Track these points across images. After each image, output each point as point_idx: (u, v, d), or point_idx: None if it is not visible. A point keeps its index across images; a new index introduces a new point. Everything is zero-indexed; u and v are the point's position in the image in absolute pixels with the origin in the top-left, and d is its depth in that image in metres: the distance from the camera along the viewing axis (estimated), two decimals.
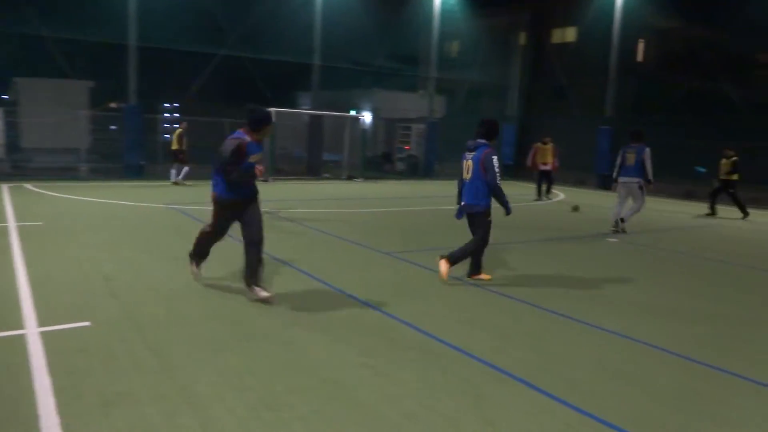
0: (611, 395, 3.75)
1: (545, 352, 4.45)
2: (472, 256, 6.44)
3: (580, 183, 21.49)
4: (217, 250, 5.98)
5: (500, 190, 6.18)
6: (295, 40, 20.39)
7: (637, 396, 3.76)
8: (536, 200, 15.69)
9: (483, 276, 6.54)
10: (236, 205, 5.36)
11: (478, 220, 6.31)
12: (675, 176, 19.47)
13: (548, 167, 15.57)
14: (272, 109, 17.85)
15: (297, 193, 15.03)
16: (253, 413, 3.29)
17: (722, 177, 13.91)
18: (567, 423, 3.34)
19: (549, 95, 25.46)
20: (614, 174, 10.52)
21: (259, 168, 5.32)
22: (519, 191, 18.51)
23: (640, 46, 27.47)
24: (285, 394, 3.53)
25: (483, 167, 6.14)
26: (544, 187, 15.96)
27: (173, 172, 15.62)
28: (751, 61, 23.85)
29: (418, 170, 22.81)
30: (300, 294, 5.73)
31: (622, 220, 10.46)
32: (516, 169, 23.73)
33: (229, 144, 5.23)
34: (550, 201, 15.91)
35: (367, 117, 23.56)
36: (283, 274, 6.47)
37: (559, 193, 18.04)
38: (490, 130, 6.32)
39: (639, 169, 10.15)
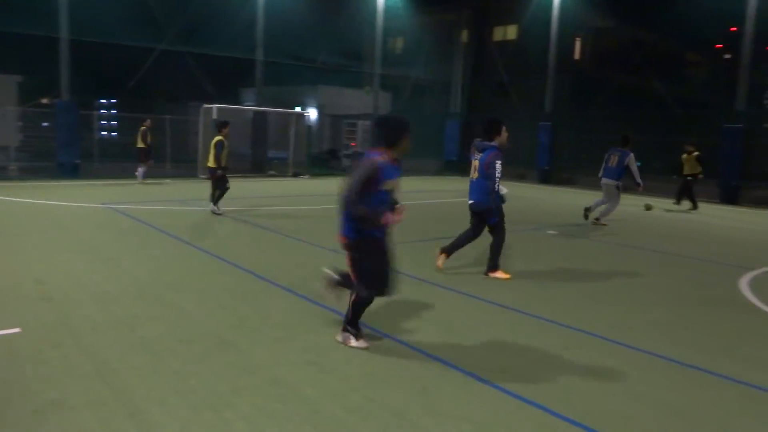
0: (550, 382, 3.86)
1: (491, 344, 4.54)
2: (492, 254, 6.67)
3: (521, 177, 22.00)
4: (156, 258, 5.80)
5: (495, 193, 6.36)
6: (238, 35, 20.00)
7: (583, 384, 3.89)
8: None
9: (500, 275, 6.65)
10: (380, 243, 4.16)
11: (486, 218, 6.56)
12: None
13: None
14: (214, 106, 17.48)
15: (241, 191, 14.76)
16: (195, 415, 3.22)
17: (686, 173, 14.39)
18: (510, 411, 3.43)
19: (492, 92, 25.95)
20: (600, 173, 11.07)
21: (397, 214, 4.15)
22: (462, 186, 18.82)
23: (577, 44, 28.38)
24: (229, 394, 3.48)
25: (486, 168, 6.35)
26: None
27: (141, 171, 15.56)
28: (679, 60, 24.99)
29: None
30: (244, 293, 5.64)
31: (588, 209, 11.14)
32: (460, 165, 24.10)
33: (361, 167, 4.13)
34: None
35: (312, 113, 23.40)
36: (226, 273, 6.36)
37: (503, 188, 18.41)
38: (489, 130, 6.50)
39: (619, 172, 10.65)
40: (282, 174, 19.82)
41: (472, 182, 6.59)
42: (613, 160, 10.75)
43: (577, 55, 28.79)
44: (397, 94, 26.56)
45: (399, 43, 29.64)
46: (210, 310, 5.05)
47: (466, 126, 24.84)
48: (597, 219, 11.04)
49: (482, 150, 6.49)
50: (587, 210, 11.18)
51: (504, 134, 6.51)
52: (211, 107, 17.45)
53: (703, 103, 21.04)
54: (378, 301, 5.31)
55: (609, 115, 21.25)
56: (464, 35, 26.85)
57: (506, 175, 20.97)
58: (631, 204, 15.40)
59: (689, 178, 14.35)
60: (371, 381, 3.75)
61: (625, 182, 10.86)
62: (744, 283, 6.88)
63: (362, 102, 24.83)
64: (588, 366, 4.16)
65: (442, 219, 11.16)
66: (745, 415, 3.54)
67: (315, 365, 3.96)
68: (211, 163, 10.25)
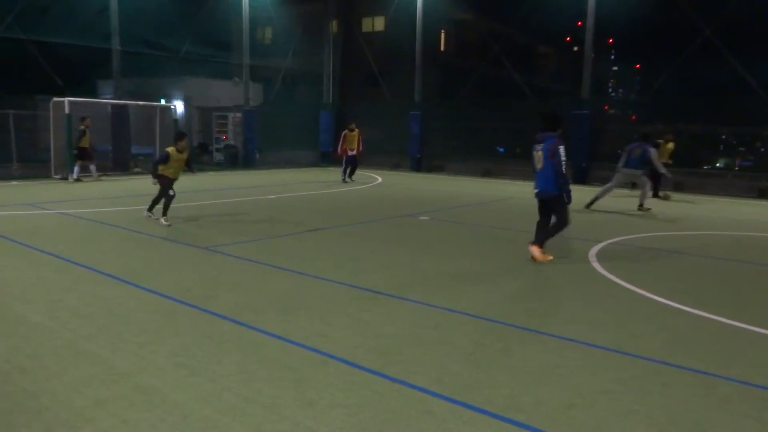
0: (420, 361, 4.04)
1: (365, 331, 4.64)
2: (549, 234, 7.17)
3: (395, 166, 22.57)
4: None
5: (564, 177, 6.80)
6: (89, 22, 18.50)
7: (441, 357, 4.10)
8: (343, 181, 16.70)
9: (539, 254, 7.07)
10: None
11: (554, 203, 7.00)
12: (475, 156, 21.41)
13: (354, 152, 16.58)
14: (65, 99, 16.09)
15: (101, 191, 13.75)
16: None
17: (663, 161, 15.35)
18: (380, 393, 3.54)
19: (363, 83, 26.29)
20: (619, 165, 12.07)
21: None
22: (334, 177, 18.94)
23: (442, 36, 29.52)
24: (89, 408, 3.26)
25: (551, 155, 6.74)
26: (348, 170, 16.90)
27: (75, 169, 15.39)
28: (533, 51, 26.86)
29: (238, 160, 22.18)
30: (107, 299, 5.29)
31: (591, 202, 12.25)
32: (332, 156, 24.22)
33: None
34: (354, 183, 16.60)
35: (178, 106, 22.27)
36: (84, 280, 5.91)
37: (378, 177, 18.78)
38: (552, 122, 6.96)
39: (640, 162, 11.89)
40: (148, 171, 18.68)
41: (537, 172, 7.03)
42: (636, 153, 11.94)
43: (443, 47, 29.98)
44: (268, 85, 26.07)
45: (268, 33, 29.05)
46: (64, 320, 4.68)
47: (340, 116, 24.99)
48: (641, 206, 12.14)
49: (543, 140, 6.91)
50: (591, 203, 12.25)
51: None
52: (62, 101, 16.02)
53: (554, 91, 22.85)
54: (252, 298, 5.24)
55: (473, 104, 22.42)
56: (334, 25, 26.90)
57: (383, 165, 21.34)
58: (487, 188, 16.35)
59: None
60: (244, 378, 3.69)
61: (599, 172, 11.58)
62: (592, 255, 7.61)
63: (232, 94, 24.07)
64: (458, 343, 4.40)
65: (320, 210, 11.17)
66: (588, 371, 3.92)
67: (184, 368, 3.82)
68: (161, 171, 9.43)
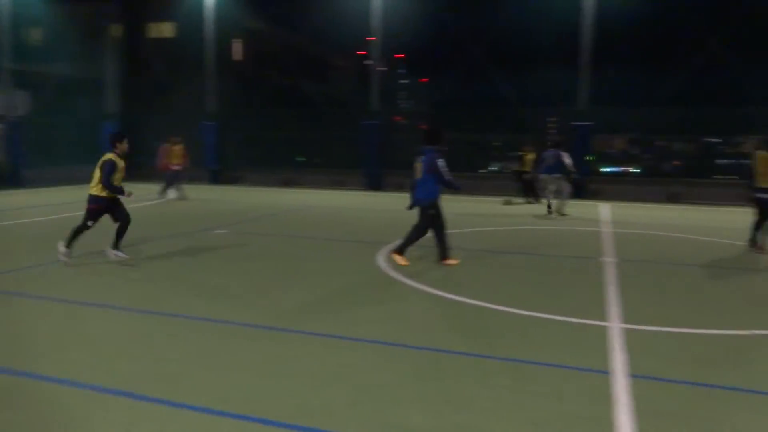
0: (205, 380, 3.89)
1: (146, 358, 4.33)
2: (411, 240, 7.52)
3: (191, 179, 21.53)
4: None
5: (450, 181, 7.39)
6: None
7: (228, 373, 3.99)
8: (173, 198, 15.30)
9: (451, 261, 7.51)
10: None
11: (421, 208, 7.47)
12: (274, 166, 21.41)
13: (179, 167, 15.33)
14: None
15: None
16: None
17: (525, 169, 15.72)
18: (161, 422, 3.33)
19: (151, 91, 24.66)
20: (540, 171, 12.63)
21: None
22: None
23: (236, 45, 28.95)
24: None
25: (429, 168, 7.24)
26: (167, 185, 15.53)
27: None
28: (326, 63, 27.64)
29: (2, 178, 19.26)
30: None
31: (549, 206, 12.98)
32: (130, 169, 22.35)
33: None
34: (164, 199, 15.36)
35: None
36: None
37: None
38: (432, 137, 7.48)
39: (557, 168, 12.53)
40: None
41: (416, 182, 7.43)
42: (551, 160, 12.62)
43: (237, 56, 29.39)
44: (38, 92, 23.11)
45: (36, 34, 25.77)
46: None
47: (128, 128, 23.10)
48: (559, 211, 12.72)
49: (423, 153, 7.36)
50: (549, 208, 12.91)
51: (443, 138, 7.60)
52: None
53: (349, 102, 23.79)
54: None
55: (269, 114, 22.37)
56: (116, 30, 24.80)
57: (180, 179, 19.67)
58: (285, 198, 16.46)
59: (526, 174, 15.71)
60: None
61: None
62: (381, 257, 8.05)
63: None
64: (245, 357, 4.32)
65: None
66: (373, 367, 4.13)
67: None
68: (94, 190, 7.22)
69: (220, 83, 22.68)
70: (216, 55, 22.47)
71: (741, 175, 18.45)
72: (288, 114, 22.04)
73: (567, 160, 12.71)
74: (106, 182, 7.08)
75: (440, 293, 6.16)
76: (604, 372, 4.06)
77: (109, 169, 7.12)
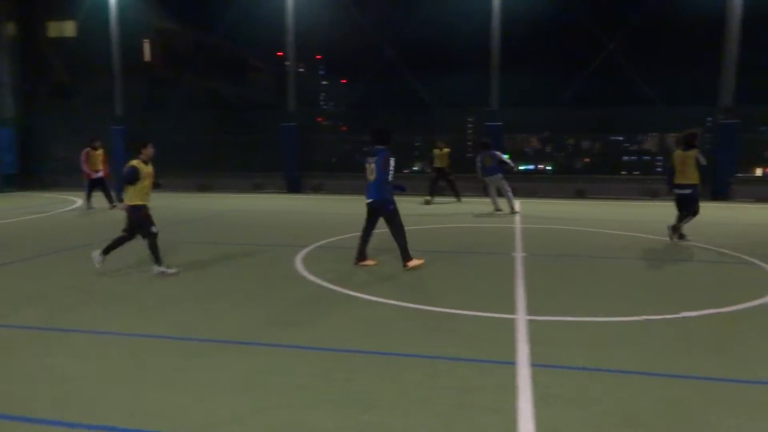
0: (109, 397, 3.73)
1: (45, 378, 4.09)
2: (403, 243, 7.49)
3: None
4: None
5: (390, 184, 7.31)
6: None
7: (135, 389, 3.86)
8: (88, 208, 14.00)
9: (369, 262, 7.66)
10: None
11: (387, 215, 7.41)
12: (190, 170, 20.77)
13: (101, 174, 13.91)
14: None
15: None
16: None
17: (438, 166, 15.52)
18: None
19: (52, 93, 23.28)
20: (480, 174, 13.11)
21: None
22: (27, 203, 16.51)
23: (146, 45, 27.84)
24: None
25: (383, 166, 7.24)
26: (91, 195, 14.13)
27: None
28: (244, 64, 27.10)
29: None
30: None
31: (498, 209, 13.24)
32: (23, 178, 21.05)
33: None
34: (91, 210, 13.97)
35: None
36: None
37: (77, 200, 16.80)
38: (383, 137, 7.47)
39: (497, 168, 12.88)
40: None
41: (371, 183, 7.38)
42: (488, 161, 12.82)
43: (147, 57, 28.25)
44: None
45: None
46: None
47: (27, 133, 21.69)
48: (513, 210, 13.03)
49: (375, 154, 7.35)
50: (498, 210, 13.19)
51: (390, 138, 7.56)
52: None
53: (267, 103, 23.44)
54: None
55: (184, 117, 21.65)
56: (11, 28, 23.17)
57: (77, 186, 18.87)
58: (202, 203, 16.08)
59: (445, 172, 15.60)
60: None
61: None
62: (298, 260, 8.00)
63: None
64: (155, 370, 4.18)
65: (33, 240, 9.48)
66: (284, 372, 4.11)
67: None
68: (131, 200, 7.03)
69: (129, 85, 21.74)
70: (123, 56, 21.50)
71: (643, 171, 19.92)
72: (204, 117, 21.43)
73: (503, 158, 13.12)
74: (125, 185, 6.95)
75: (354, 294, 6.20)
76: (510, 363, 4.24)
77: (130, 174, 6.98)
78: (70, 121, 21.54)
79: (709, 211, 14.65)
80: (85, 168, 13.84)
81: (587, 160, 20.74)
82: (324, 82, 28.82)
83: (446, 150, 15.74)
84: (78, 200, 16.91)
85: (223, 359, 4.37)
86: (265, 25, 20.71)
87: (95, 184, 13.97)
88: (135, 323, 5.23)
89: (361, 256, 7.69)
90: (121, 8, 21.18)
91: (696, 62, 17.61)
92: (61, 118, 21.74)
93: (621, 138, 20.80)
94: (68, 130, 20.84)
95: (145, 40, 26.17)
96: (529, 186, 18.46)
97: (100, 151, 14.02)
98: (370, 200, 7.55)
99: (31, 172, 21.28)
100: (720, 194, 17.11)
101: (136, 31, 22.91)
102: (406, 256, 7.45)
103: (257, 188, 20.11)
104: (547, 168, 21.13)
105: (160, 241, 7.29)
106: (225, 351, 4.55)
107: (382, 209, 7.47)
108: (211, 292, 6.38)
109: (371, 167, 7.43)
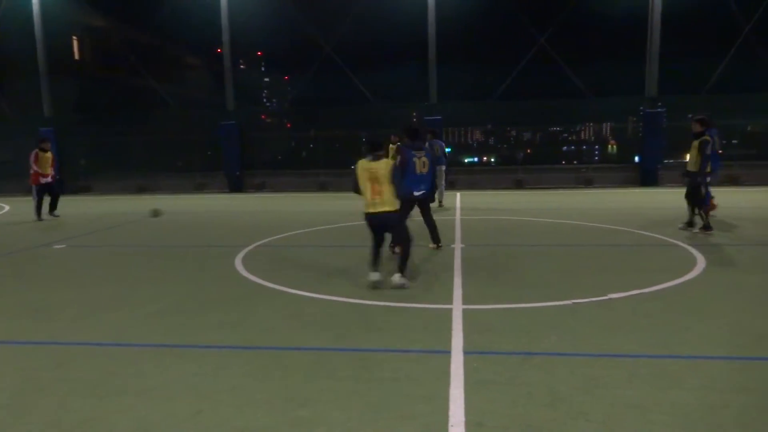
0: (34, 406, 3.61)
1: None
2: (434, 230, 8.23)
3: (28, 191, 19.61)
4: None
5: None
6: None
7: (62, 397, 3.74)
8: (38, 219, 12.57)
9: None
10: None
11: (427, 201, 8.04)
12: (127, 172, 20.13)
13: (49, 179, 12.67)
14: None
15: None
16: None
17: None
18: None
19: None
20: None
21: None
22: None
23: (75, 43, 26.73)
24: None
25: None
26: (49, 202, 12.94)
27: None
28: (180, 62, 26.42)
29: None
30: None
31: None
32: None
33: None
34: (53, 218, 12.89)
35: None
36: None
37: (4, 205, 16.02)
38: (414, 134, 7.97)
39: (440, 158, 12.30)
40: None
41: (422, 175, 7.71)
42: (437, 151, 12.36)
43: (77, 55, 27.14)
44: None
45: None
46: None
47: None
48: (441, 203, 13.17)
49: (422, 148, 7.83)
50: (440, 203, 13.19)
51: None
52: None
53: (205, 102, 22.96)
54: None
55: (117, 117, 20.94)
56: None
57: (11, 191, 17.98)
58: (140, 206, 15.64)
59: None
60: None
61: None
62: (238, 260, 7.90)
63: None
64: (83, 378, 4.06)
65: None
66: (219, 373, 4.07)
67: None
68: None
69: (59, 85, 20.86)
70: (52, 54, 20.60)
71: (580, 161, 20.62)
72: (137, 116, 20.79)
73: (446, 150, 13.49)
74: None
75: (293, 291, 6.19)
76: (446, 352, 4.33)
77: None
78: None
79: (637, 196, 15.36)
80: (36, 168, 12.46)
81: (528, 151, 21.32)
82: (266, 79, 28.50)
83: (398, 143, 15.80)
84: (5, 206, 16.13)
85: (153, 364, 4.28)
86: (201, 22, 20.29)
87: (44, 190, 12.71)
88: (63, 332, 5.05)
89: (436, 239, 8.28)
90: (44, 3, 20.25)
91: (622, 54, 18.38)
92: None
93: (559, 128, 21.48)
94: None
95: (74, 37, 25.12)
96: (471, 178, 18.83)
97: (49, 154, 12.76)
98: (420, 192, 7.81)
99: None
100: (648, 180, 17.93)
101: (64, 29, 21.99)
102: (435, 240, 8.27)
103: (199, 188, 19.71)
104: (492, 160, 21.61)
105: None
106: (153, 356, 4.46)
107: (427, 200, 7.98)
108: (143, 297, 6.22)
109: (423, 161, 7.78)
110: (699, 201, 9.11)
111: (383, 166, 6.09)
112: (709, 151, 8.70)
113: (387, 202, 6.12)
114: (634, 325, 4.90)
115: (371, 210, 6.17)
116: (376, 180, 6.09)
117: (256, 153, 20.52)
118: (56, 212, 13.00)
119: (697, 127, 8.89)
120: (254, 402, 3.60)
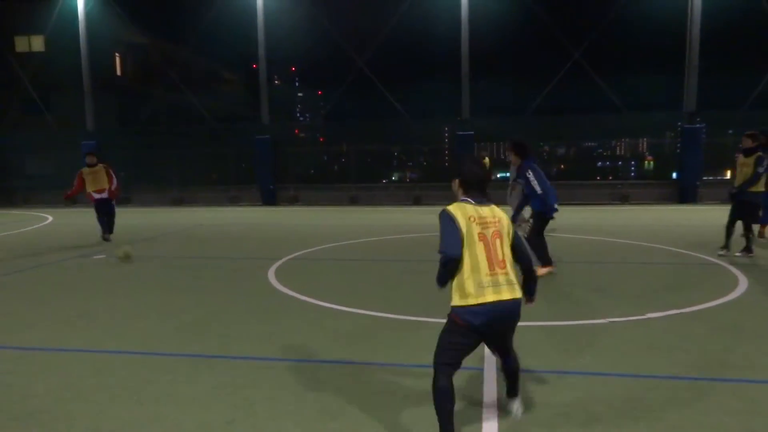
0: (75, 413, 3.70)
1: (7, 396, 4.04)
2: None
3: (73, 203, 20.24)
4: None
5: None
6: None
7: (102, 404, 3.83)
8: (104, 239, 11.19)
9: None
10: None
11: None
12: (163, 184, 20.59)
13: (105, 195, 11.05)
14: None
15: None
16: None
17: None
18: None
19: (21, 108, 22.98)
20: None
21: None
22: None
23: (117, 59, 27.64)
24: None
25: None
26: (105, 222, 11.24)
27: None
28: (217, 78, 27.05)
29: None
30: None
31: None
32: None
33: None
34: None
35: None
36: None
37: (48, 216, 16.57)
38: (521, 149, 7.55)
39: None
40: None
41: (551, 188, 7.35)
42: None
43: (119, 71, 28.04)
44: None
45: None
46: None
47: None
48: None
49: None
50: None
51: None
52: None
53: (240, 117, 23.41)
54: None
55: (157, 131, 21.53)
56: None
57: (54, 202, 18.28)
58: (180, 217, 15.94)
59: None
60: None
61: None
62: (271, 273, 7.99)
63: None
64: (123, 385, 4.15)
65: None
66: (253, 385, 4.11)
67: None
68: None
69: (101, 99, 21.56)
70: (93, 71, 21.32)
71: (615, 177, 20.30)
72: (176, 130, 21.32)
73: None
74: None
75: (326, 305, 6.22)
76: (478, 368, 4.29)
77: None
78: (40, 135, 21.28)
79: (675, 213, 15.02)
80: (74, 191, 11.09)
81: (562, 166, 21.08)
82: (300, 94, 28.92)
83: (486, 160, 15.49)
84: (49, 216, 16.67)
85: (188, 373, 4.35)
86: (237, 39, 20.75)
87: (101, 209, 11.11)
88: (99, 340, 5.17)
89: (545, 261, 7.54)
90: (90, 22, 21.02)
91: (660, 69, 18.09)
92: (30, 133, 21.45)
93: (593, 144, 21.19)
94: (39, 144, 20.57)
95: (116, 54, 25.95)
96: (503, 193, 18.70)
97: (99, 167, 11.03)
98: (557, 205, 7.49)
99: (1, 189, 20.96)
100: (687, 197, 17.51)
101: (107, 46, 22.78)
102: (544, 261, 7.49)
103: (233, 201, 20.03)
104: None
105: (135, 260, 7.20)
106: (189, 365, 4.53)
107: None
108: (179, 307, 6.33)
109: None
110: (754, 220, 8.61)
111: (504, 216, 3.24)
112: (762, 169, 8.25)
113: (515, 280, 3.21)
114: (672, 345, 4.77)
115: (489, 298, 3.04)
116: (498, 238, 3.15)
117: (289, 167, 20.80)
118: (108, 235, 11.20)
119: (748, 143, 8.45)
120: (287, 413, 3.63)
